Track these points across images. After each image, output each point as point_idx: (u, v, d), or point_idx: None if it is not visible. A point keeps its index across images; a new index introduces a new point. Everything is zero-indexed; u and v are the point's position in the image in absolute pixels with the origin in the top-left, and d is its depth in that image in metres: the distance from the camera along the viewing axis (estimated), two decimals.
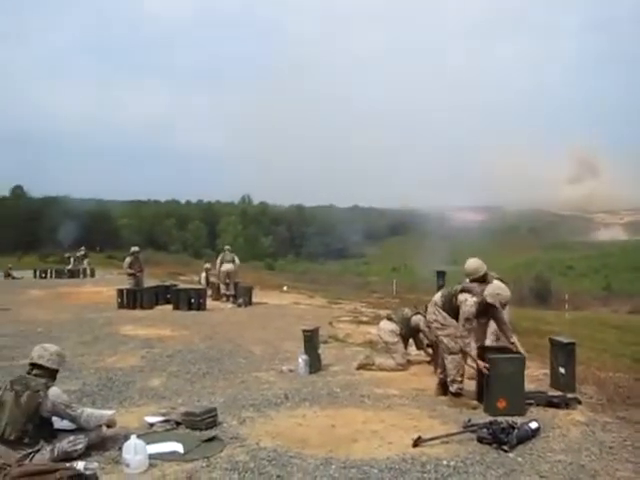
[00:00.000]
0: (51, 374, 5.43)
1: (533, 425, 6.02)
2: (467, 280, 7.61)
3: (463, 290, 7.29)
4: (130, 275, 20.53)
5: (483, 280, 7.52)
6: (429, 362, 9.27)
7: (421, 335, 9.45)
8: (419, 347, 9.65)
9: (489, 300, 7.14)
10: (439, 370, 7.69)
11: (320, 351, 9.45)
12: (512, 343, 7.30)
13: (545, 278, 55.45)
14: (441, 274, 11.86)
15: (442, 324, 7.31)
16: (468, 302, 7.12)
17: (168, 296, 18.50)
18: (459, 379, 7.21)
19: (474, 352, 7.10)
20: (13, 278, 32.40)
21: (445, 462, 5.22)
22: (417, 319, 9.41)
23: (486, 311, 7.30)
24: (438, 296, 7.55)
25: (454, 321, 7.25)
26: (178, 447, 5.48)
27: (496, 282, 7.63)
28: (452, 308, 7.27)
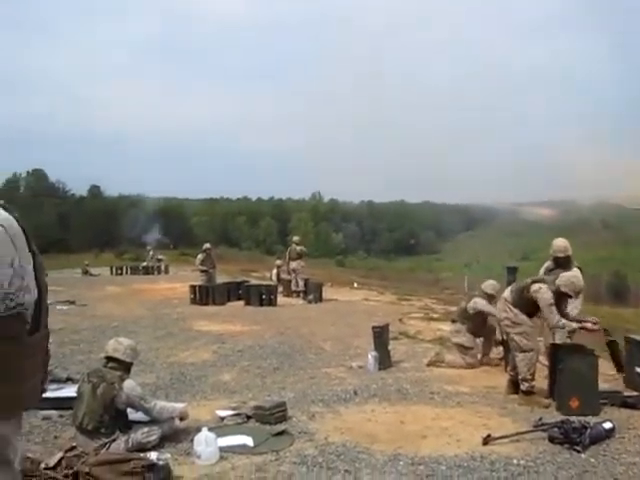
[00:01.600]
0: (126, 367, 5.58)
1: (607, 425, 5.87)
2: (550, 261, 7.67)
3: (535, 282, 7.18)
4: (202, 272, 20.90)
5: (567, 262, 7.58)
6: (500, 359, 9.14)
7: (490, 319, 9.20)
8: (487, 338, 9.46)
9: (562, 289, 6.98)
10: (509, 368, 7.59)
11: (390, 347, 9.44)
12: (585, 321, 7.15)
13: (622, 274, 53.97)
14: (512, 270, 11.60)
15: (513, 322, 7.21)
16: (542, 289, 6.98)
17: (240, 292, 18.68)
18: (530, 377, 7.10)
19: (573, 324, 7.07)
20: (90, 275, 33.20)
21: (515, 461, 5.15)
22: (472, 304, 9.28)
23: (559, 302, 7.14)
24: (507, 292, 7.44)
25: (526, 318, 7.15)
26: (248, 440, 5.56)
27: (574, 270, 7.51)
28: (523, 302, 7.14)
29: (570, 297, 7.17)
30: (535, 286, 7.08)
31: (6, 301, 1.26)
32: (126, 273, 34.56)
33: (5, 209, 1.36)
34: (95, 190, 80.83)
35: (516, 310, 7.20)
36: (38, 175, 76.89)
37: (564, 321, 6.97)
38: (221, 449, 5.26)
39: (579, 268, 7.92)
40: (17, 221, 1.37)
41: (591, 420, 6.02)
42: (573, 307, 7.79)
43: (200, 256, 21.49)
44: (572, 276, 7.18)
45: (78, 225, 66.74)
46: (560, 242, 7.83)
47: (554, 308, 6.95)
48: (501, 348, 9.11)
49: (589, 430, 5.62)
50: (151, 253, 37.90)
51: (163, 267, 35.23)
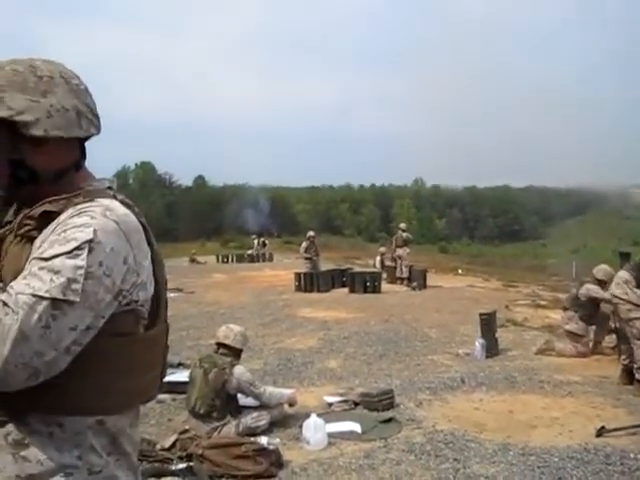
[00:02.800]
0: (236, 353, 5.70)
1: None
2: None
3: None
4: (307, 259, 21.12)
5: None
6: (613, 348, 8.83)
7: (603, 305, 8.89)
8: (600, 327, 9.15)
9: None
10: (623, 357, 7.32)
11: (497, 335, 9.29)
12: None
13: None
14: (625, 255, 11.15)
15: (636, 304, 6.92)
16: None
17: (344, 279, 18.74)
18: None
19: None
20: (198, 263, 34.14)
21: (632, 455, 4.92)
22: (585, 290, 8.95)
23: None
24: (625, 274, 7.14)
25: None
26: (356, 427, 5.59)
27: None
28: None
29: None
30: None
31: (119, 298, 1.30)
32: (232, 261, 35.37)
33: (125, 204, 1.40)
34: (200, 180, 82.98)
35: (639, 291, 6.92)
36: (146, 167, 79.59)
37: None
38: (329, 435, 5.32)
39: None
40: (137, 216, 1.40)
41: None
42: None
43: (304, 244, 21.74)
44: None
45: (185, 215, 68.82)
46: None
47: None
48: (614, 336, 8.79)
49: None
50: (256, 242, 38.57)
51: (267, 254, 35.81)
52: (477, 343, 8.81)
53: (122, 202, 1.40)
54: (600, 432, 5.38)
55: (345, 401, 6.45)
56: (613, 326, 8.62)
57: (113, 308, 1.29)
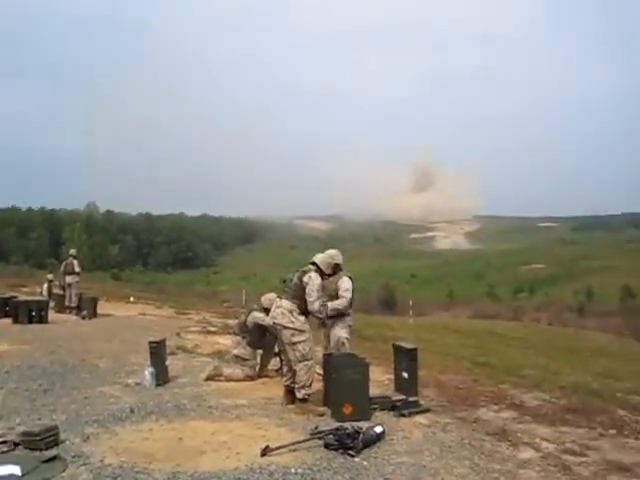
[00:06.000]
0: None
1: (378, 429, 6.20)
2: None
3: (305, 271, 7.67)
4: None
5: (335, 269, 8.26)
6: (277, 370, 9.33)
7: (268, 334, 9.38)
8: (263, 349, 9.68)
9: (313, 259, 7.81)
10: (284, 378, 7.77)
11: (167, 363, 9.29)
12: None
13: (391, 286, 57.52)
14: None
15: (300, 330, 7.43)
16: (312, 276, 7.54)
17: (7, 309, 17.54)
18: (308, 385, 7.36)
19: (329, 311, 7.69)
20: None
21: (293, 470, 5.27)
22: (252, 318, 9.47)
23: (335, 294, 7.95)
24: (286, 303, 7.61)
25: (307, 325, 7.47)
26: (15, 470, 5.20)
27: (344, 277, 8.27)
28: (303, 300, 7.52)
29: (324, 274, 7.82)
30: (306, 277, 7.56)
31: None
32: None
33: None
34: None
35: (302, 318, 7.43)
36: None
37: (322, 308, 7.50)
38: None
39: (350, 277, 8.40)
40: None
41: (364, 425, 6.32)
42: (337, 304, 8.23)
43: None
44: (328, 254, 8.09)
45: None
46: (329, 252, 8.37)
47: (319, 294, 7.51)
48: (278, 359, 9.29)
49: (361, 435, 5.91)
50: None
51: None
52: (146, 372, 8.74)
53: None
54: (264, 452, 5.63)
55: (4, 442, 5.97)
56: (277, 349, 9.12)
57: None
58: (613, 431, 6.97)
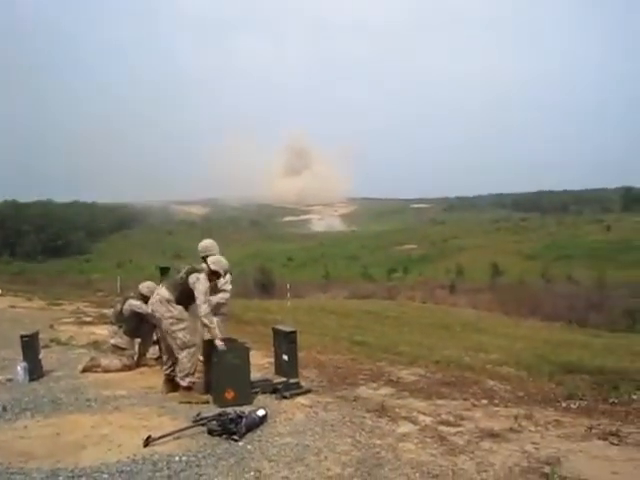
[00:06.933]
0: None
1: (260, 412, 6.26)
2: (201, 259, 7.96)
3: (190, 271, 7.47)
4: None
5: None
6: (156, 359, 9.20)
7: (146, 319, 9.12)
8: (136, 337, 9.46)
9: (212, 267, 7.53)
10: (165, 367, 7.69)
11: (41, 356, 8.97)
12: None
13: (268, 269, 57.72)
14: (165, 270, 11.69)
15: (178, 319, 7.33)
16: (201, 278, 7.37)
17: None
18: (192, 372, 7.32)
19: (215, 329, 7.28)
20: None
21: (177, 458, 5.26)
22: (128, 306, 9.31)
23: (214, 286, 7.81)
24: (164, 291, 7.50)
25: (187, 314, 7.36)
26: None
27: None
28: (186, 294, 7.37)
29: (220, 276, 7.74)
30: (192, 277, 7.38)
31: None
32: None
33: None
34: None
35: (180, 307, 7.35)
36: None
37: (210, 317, 7.31)
38: None
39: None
40: None
41: (246, 409, 6.36)
42: (220, 297, 8.21)
43: None
44: (217, 258, 7.79)
45: None
46: (204, 242, 8.40)
47: (207, 297, 7.35)
48: (157, 348, 9.16)
49: (244, 419, 5.95)
50: None
51: None
52: (19, 367, 8.41)
53: None
54: (147, 442, 5.57)
55: None
56: (156, 338, 9.00)
57: None
58: (485, 401, 7.34)
